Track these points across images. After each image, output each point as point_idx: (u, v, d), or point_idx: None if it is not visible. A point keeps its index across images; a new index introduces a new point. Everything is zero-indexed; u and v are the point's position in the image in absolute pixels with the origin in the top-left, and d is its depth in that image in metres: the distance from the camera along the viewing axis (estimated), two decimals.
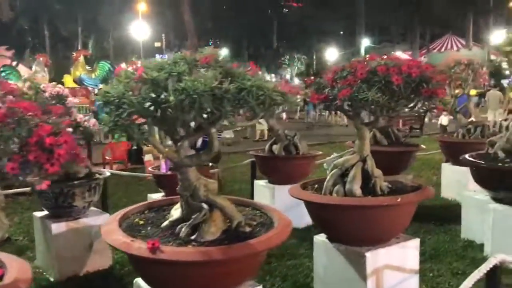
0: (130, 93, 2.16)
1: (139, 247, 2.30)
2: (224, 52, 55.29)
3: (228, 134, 14.57)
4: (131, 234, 2.49)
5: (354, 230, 3.31)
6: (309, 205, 3.48)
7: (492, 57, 40.23)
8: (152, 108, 2.14)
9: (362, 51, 49.71)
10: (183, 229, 2.50)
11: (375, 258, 3.32)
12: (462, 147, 6.52)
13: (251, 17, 53.47)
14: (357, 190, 3.43)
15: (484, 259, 4.60)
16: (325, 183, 3.56)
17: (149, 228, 2.68)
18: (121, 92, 2.15)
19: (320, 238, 3.63)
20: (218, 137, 7.36)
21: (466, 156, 4.89)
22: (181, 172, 2.51)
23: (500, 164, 4.45)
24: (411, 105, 3.42)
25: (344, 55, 46.89)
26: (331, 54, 48.19)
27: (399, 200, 3.22)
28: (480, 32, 40.56)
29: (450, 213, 6.15)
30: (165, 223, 2.67)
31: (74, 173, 4.44)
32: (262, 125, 14.30)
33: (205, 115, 2.20)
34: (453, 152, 6.69)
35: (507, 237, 4.46)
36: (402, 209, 3.32)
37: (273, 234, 2.47)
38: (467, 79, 6.86)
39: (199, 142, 6.73)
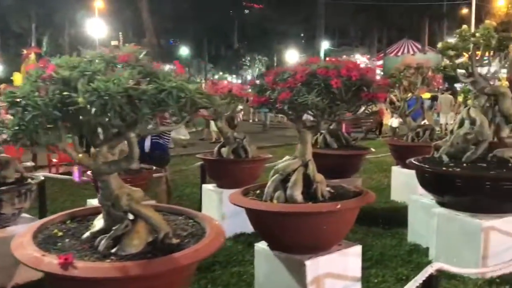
0: (37, 93, 1.95)
1: (50, 262, 2.09)
2: (185, 51, 54.91)
3: (183, 135, 14.30)
4: (44, 248, 2.27)
5: (294, 237, 3.20)
6: (249, 212, 3.35)
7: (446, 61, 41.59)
8: (60, 110, 1.94)
9: (322, 54, 50.36)
10: (102, 242, 2.31)
11: (315, 266, 3.22)
12: (411, 150, 6.57)
13: (212, 17, 53.19)
14: (298, 196, 3.32)
15: (429, 264, 4.63)
16: (266, 188, 3.44)
17: (67, 240, 2.46)
18: (27, 92, 1.94)
19: (261, 246, 3.50)
20: (168, 140, 7.15)
21: (412, 160, 4.89)
22: (101, 180, 2.32)
23: (444, 168, 4.45)
24: (353, 109, 3.33)
25: (304, 58, 47.34)
26: (291, 56, 48.41)
27: (338, 206, 3.13)
28: (435, 37, 41.85)
29: (399, 216, 6.16)
30: (86, 234, 2.47)
31: (2, 177, 4.15)
32: None
33: (122, 118, 2.02)
34: (402, 155, 6.72)
35: (451, 241, 4.47)
36: (342, 215, 3.23)
37: (201, 246, 2.31)
38: (417, 83, 6.91)
39: (147, 145, 6.50)
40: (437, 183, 4.55)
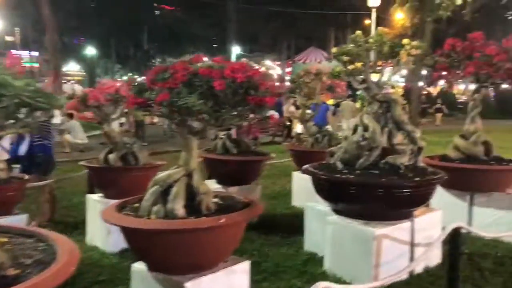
0: None
1: None
2: (91, 51, 52.33)
3: (80, 139, 13.36)
4: None
5: (172, 257, 2.86)
6: (122, 230, 2.95)
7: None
8: None
9: (233, 59, 50.50)
10: None
11: (197, 287, 2.90)
12: (310, 156, 6.52)
13: (120, 16, 51.28)
14: (180, 210, 2.99)
15: (324, 274, 4.50)
16: (143, 202, 3.06)
17: None
18: None
19: (138, 266, 3.12)
20: (50, 142, 6.45)
21: (307, 166, 4.76)
22: None
23: (337, 175, 4.35)
24: (240, 113, 3.06)
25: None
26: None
27: (222, 221, 2.84)
28: (341, 46, 43.41)
29: (298, 223, 6.03)
30: None
31: None
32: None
33: None
34: (302, 161, 6.62)
35: (345, 250, 4.38)
36: (227, 230, 2.95)
37: (42, 279, 1.89)
38: (316, 88, 6.89)
39: (22, 149, 5.82)
40: (331, 190, 4.45)
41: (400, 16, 27.43)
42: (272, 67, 44.33)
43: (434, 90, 34.22)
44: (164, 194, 3.07)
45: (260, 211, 3.26)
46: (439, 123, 25.80)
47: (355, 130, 4.63)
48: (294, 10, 38.45)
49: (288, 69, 43.63)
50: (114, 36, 54.51)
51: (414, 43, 4.46)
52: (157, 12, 59.37)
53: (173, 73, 2.90)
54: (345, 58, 4.45)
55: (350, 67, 4.38)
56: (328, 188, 4.46)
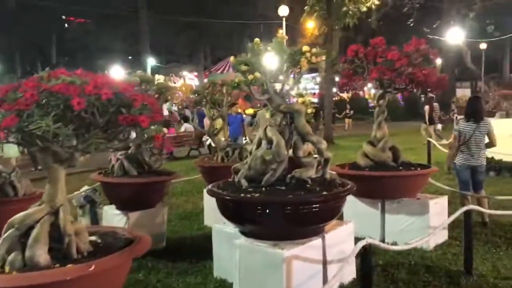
0: None
1: None
2: None
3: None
4: None
5: None
6: None
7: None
8: None
9: (149, 71, 49.26)
10: None
11: None
12: (220, 171, 6.15)
13: (25, 30, 48.39)
14: (42, 256, 2.46)
15: None
16: None
17: None
18: None
19: None
20: None
21: (210, 186, 4.36)
22: None
23: (241, 194, 3.99)
24: (112, 136, 2.59)
25: (130, 74, 45.59)
26: (116, 72, 46.23)
27: (92, 268, 2.34)
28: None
29: (209, 246, 5.62)
30: None
31: None
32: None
33: None
34: (212, 177, 6.23)
35: (255, 275, 4.02)
36: (102, 278, 2.45)
37: None
38: (223, 100, 6.53)
39: None
40: (236, 211, 4.08)
41: (311, 25, 28.14)
42: (190, 78, 43.76)
43: (347, 96, 35.43)
44: (22, 239, 2.51)
45: (147, 247, 2.80)
46: (348, 128, 26.51)
47: (259, 144, 4.31)
48: (204, 20, 38.24)
49: (206, 80, 43.32)
50: (18, 50, 51.43)
51: (314, 50, 4.24)
52: (66, 25, 56.85)
53: (23, 92, 2.37)
54: (243, 67, 4.12)
55: (250, 77, 4.06)
56: (233, 209, 4.09)
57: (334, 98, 29.26)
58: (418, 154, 14.14)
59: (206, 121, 15.49)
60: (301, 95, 7.45)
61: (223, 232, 4.57)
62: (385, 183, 5.57)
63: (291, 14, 24.25)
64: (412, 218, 5.59)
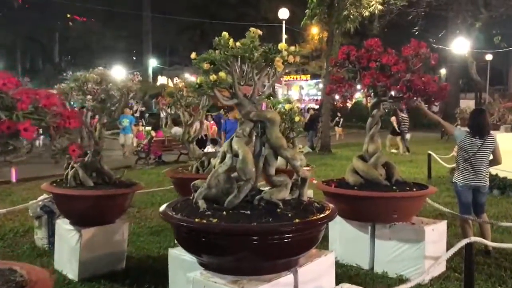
0: None
1: None
2: None
3: None
4: None
5: None
6: None
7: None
8: None
9: (150, 72, 48.71)
10: None
11: None
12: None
13: (27, 27, 48.12)
14: None
15: None
16: None
17: None
18: None
19: None
20: None
21: (164, 206, 3.68)
22: None
23: (196, 219, 3.30)
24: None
25: (132, 74, 45.05)
26: (118, 72, 45.63)
27: None
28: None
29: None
30: None
31: None
32: None
33: None
34: (184, 190, 5.53)
35: None
36: None
37: None
38: (200, 103, 5.85)
39: None
40: (190, 239, 3.40)
41: (315, 31, 27.47)
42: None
43: (340, 103, 34.39)
44: None
45: None
46: (339, 138, 25.26)
47: (223, 158, 3.63)
48: (207, 20, 37.70)
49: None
50: (20, 47, 51.21)
51: (292, 48, 3.56)
52: (70, 24, 56.63)
53: None
54: (206, 65, 3.44)
55: (212, 77, 3.38)
56: (187, 237, 3.41)
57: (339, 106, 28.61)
58: (418, 166, 13.44)
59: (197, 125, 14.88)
60: (288, 101, 6.78)
61: (180, 259, 3.87)
62: (375, 205, 4.88)
63: (294, 18, 23.64)
64: (405, 246, 4.89)
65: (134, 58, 55.40)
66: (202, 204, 3.47)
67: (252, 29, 3.60)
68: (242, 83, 3.67)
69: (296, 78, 51.25)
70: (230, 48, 3.48)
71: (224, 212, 3.38)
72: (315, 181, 8.01)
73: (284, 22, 19.60)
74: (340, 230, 5.39)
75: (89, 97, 4.66)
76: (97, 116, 4.96)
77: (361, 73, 4.99)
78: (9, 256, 5.60)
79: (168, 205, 3.72)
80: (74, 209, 4.85)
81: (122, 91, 4.72)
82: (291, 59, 3.50)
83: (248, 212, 3.39)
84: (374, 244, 5.10)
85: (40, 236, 5.87)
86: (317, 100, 43.03)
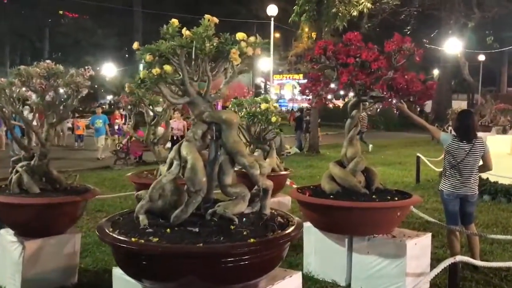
0: None
1: None
2: None
3: None
4: None
5: None
6: None
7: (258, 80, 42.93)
8: None
9: (141, 69, 48.03)
10: None
11: None
12: None
13: (17, 22, 47.47)
14: None
15: None
16: None
17: None
18: None
19: None
20: None
21: (103, 220, 3.18)
22: None
23: (133, 238, 2.81)
24: None
25: (123, 71, 44.47)
26: (109, 69, 44.93)
27: None
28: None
29: None
30: None
31: None
32: None
33: None
34: None
35: None
36: None
37: None
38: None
39: None
40: (130, 261, 2.91)
41: (304, 29, 26.98)
42: None
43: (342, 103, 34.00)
44: None
45: None
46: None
47: (170, 166, 3.14)
48: (195, 16, 37.15)
49: None
50: (9, 42, 50.55)
51: (252, 38, 3.08)
52: (62, 21, 56.03)
53: None
54: (148, 57, 2.95)
55: (155, 71, 2.90)
56: (125, 258, 2.92)
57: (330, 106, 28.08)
58: (407, 169, 13.00)
59: (178, 125, 14.33)
60: (265, 100, 6.30)
61: (124, 280, 3.37)
62: (352, 216, 4.41)
63: (286, 16, 23.11)
64: (385, 261, 4.43)
65: (127, 55, 54.77)
66: (143, 219, 2.98)
67: (207, 16, 3.11)
68: (195, 79, 3.19)
69: (289, 78, 50.84)
70: (178, 38, 2.98)
71: (168, 230, 2.89)
72: (294, 186, 7.57)
73: (273, 19, 19.08)
74: (315, 242, 4.92)
75: (29, 93, 4.16)
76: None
77: (338, 70, 4.52)
78: None
79: (108, 219, 3.23)
80: (17, 219, 4.34)
81: (71, 87, 4.21)
82: (249, 51, 3.02)
83: (197, 229, 2.91)
84: (351, 259, 4.63)
85: None
86: (309, 99, 42.59)
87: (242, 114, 6.20)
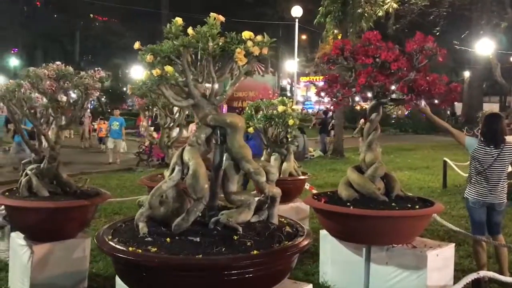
0: None
1: None
2: (14, 62, 48.80)
3: None
4: None
5: None
6: None
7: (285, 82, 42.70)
8: None
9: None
10: None
11: None
12: None
13: (48, 26, 48.67)
14: None
15: None
16: None
17: None
18: None
19: None
20: None
21: (104, 228, 3.06)
22: None
23: (134, 248, 2.67)
24: None
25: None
26: (137, 71, 45.45)
27: None
28: (276, 61, 43.25)
29: None
30: None
31: None
32: None
33: None
34: None
35: None
36: None
37: None
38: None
39: None
40: (129, 272, 2.77)
41: (330, 30, 26.63)
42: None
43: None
44: None
45: None
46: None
47: (173, 171, 3.00)
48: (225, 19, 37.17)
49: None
50: (40, 46, 51.78)
51: (259, 37, 2.91)
52: (93, 24, 57.18)
53: None
54: (149, 57, 2.82)
55: (155, 72, 2.76)
56: (124, 269, 2.79)
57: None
58: (434, 173, 12.56)
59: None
60: (283, 102, 6.11)
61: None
62: (370, 224, 4.18)
63: (313, 18, 22.80)
64: (404, 273, 4.18)
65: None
66: (142, 228, 2.84)
67: (212, 14, 2.96)
68: (200, 80, 3.05)
69: (316, 80, 50.39)
70: (181, 37, 2.85)
71: (168, 239, 2.75)
72: (314, 191, 7.35)
73: (297, 20, 18.86)
74: (331, 251, 4.71)
75: (36, 95, 4.09)
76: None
77: (356, 71, 4.30)
78: None
79: (110, 226, 3.11)
80: (24, 223, 4.29)
81: (80, 89, 4.13)
82: (255, 50, 2.85)
83: (198, 239, 2.75)
84: (368, 269, 4.40)
85: (2, 249, 5.33)
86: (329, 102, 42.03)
87: (259, 116, 6.04)
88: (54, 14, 52.47)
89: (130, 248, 2.65)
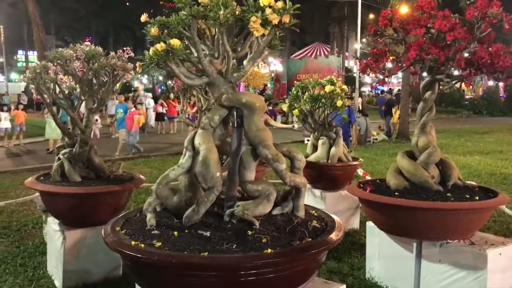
0: None
1: None
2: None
3: None
4: None
5: None
6: None
7: (352, 64, 41.45)
8: None
9: None
10: None
11: None
12: None
13: (120, 13, 50.29)
14: None
15: None
16: None
17: None
18: None
19: None
20: None
21: (114, 219, 2.85)
22: None
23: (137, 242, 2.42)
24: None
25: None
26: None
27: None
28: (342, 41, 42.00)
29: None
30: None
31: None
32: None
33: None
34: None
35: None
36: None
37: None
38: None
39: None
40: (133, 268, 2.54)
41: (405, 10, 25.24)
42: (275, 64, 41.86)
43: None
44: None
45: None
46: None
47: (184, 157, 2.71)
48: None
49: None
50: (112, 33, 53.62)
51: (280, 3, 2.52)
52: (164, 11, 58.37)
53: None
54: (154, 30, 2.53)
55: (159, 46, 2.47)
56: (129, 265, 2.55)
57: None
58: (508, 158, 11.44)
59: None
60: (331, 82, 5.66)
61: None
62: (420, 217, 3.69)
63: None
64: (460, 272, 3.68)
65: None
66: (150, 219, 2.59)
67: None
68: (216, 56, 2.72)
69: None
70: (189, 8, 2.53)
71: (176, 233, 2.47)
72: (368, 177, 6.85)
73: None
74: (379, 245, 4.28)
75: (60, 76, 3.95)
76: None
77: (406, 43, 3.79)
78: (13, 252, 5.17)
79: (124, 215, 2.90)
80: (56, 208, 4.23)
81: (107, 70, 3.95)
82: (274, 18, 2.47)
83: (208, 233, 2.45)
84: (419, 267, 3.92)
85: (46, 232, 5.37)
86: (399, 82, 40.41)
87: (305, 97, 5.63)
88: (126, 2, 54.02)
89: (133, 242, 2.40)
